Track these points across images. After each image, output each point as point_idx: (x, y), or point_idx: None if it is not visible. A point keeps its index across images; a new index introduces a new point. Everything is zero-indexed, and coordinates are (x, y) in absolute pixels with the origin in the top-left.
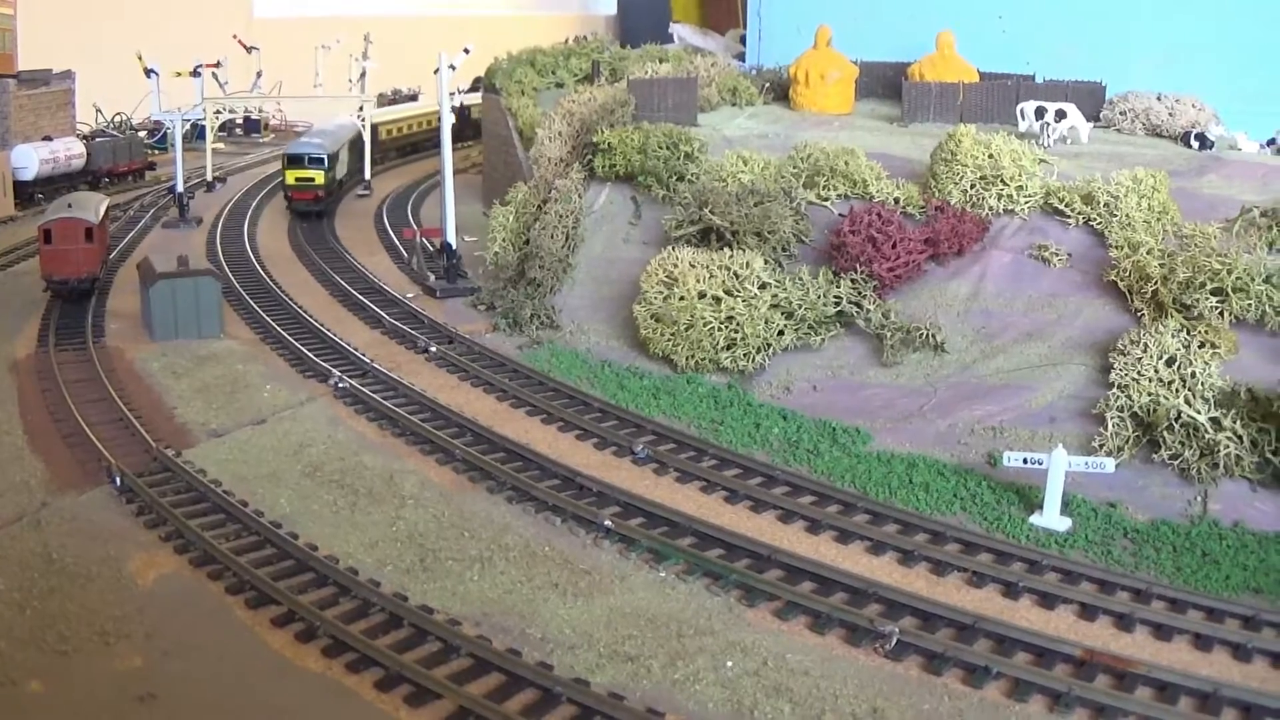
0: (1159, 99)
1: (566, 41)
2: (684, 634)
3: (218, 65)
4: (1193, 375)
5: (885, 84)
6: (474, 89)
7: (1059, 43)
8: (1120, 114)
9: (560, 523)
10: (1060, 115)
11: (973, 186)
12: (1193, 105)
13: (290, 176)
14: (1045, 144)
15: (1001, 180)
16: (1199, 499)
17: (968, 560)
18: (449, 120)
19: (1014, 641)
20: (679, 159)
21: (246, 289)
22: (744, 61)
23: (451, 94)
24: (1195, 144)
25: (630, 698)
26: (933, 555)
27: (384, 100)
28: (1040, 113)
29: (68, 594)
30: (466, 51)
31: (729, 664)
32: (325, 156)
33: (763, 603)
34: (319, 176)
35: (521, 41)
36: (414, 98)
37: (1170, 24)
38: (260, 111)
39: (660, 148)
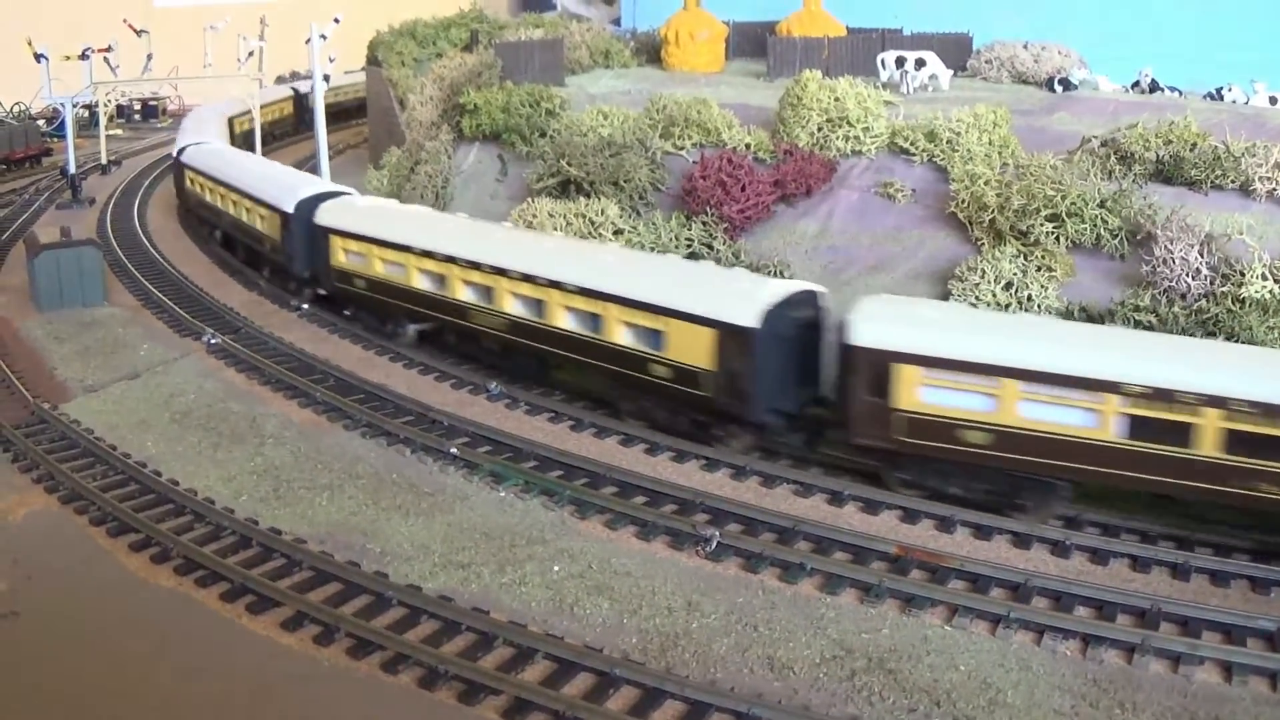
0: (1025, 47)
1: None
2: (516, 544)
3: (109, 49)
4: (1029, 298)
5: (756, 42)
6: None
7: None
8: (986, 63)
9: (410, 453)
10: (920, 64)
11: (819, 129)
12: (1058, 52)
13: None
14: (906, 92)
15: (847, 122)
16: None
17: (797, 473)
18: (322, 88)
19: (832, 542)
20: (540, 115)
21: (133, 261)
22: (620, 26)
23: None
24: (1059, 88)
25: (459, 599)
26: (764, 470)
27: (283, 81)
28: (900, 62)
29: None
30: (336, 21)
31: (556, 569)
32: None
33: (594, 515)
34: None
35: (429, 15)
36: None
37: None
38: (156, 97)
39: (523, 105)
